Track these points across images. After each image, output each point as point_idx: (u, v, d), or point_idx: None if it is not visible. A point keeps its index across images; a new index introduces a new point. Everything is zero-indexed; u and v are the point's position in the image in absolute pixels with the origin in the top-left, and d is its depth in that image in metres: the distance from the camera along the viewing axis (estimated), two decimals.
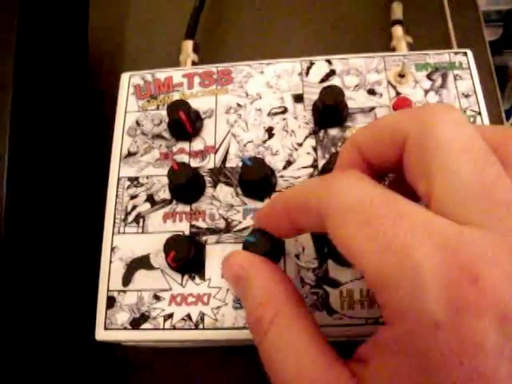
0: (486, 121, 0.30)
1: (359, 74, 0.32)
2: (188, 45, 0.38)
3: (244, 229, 0.29)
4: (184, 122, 0.30)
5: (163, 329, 0.27)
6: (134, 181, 0.31)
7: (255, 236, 0.24)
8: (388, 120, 0.22)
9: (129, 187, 0.31)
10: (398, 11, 0.38)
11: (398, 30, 0.37)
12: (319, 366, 0.19)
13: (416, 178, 0.19)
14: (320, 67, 0.32)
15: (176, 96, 0.33)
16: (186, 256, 0.27)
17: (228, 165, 0.30)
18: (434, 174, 0.18)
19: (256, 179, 0.28)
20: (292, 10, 0.43)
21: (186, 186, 0.28)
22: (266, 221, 0.24)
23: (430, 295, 0.15)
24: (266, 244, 0.24)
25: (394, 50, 0.37)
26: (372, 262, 0.17)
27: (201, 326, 0.27)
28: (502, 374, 0.14)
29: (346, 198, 0.18)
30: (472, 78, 0.31)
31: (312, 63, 0.33)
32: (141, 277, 0.29)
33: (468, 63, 0.32)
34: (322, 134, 0.30)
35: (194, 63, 0.38)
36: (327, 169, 0.28)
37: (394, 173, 0.23)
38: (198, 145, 0.31)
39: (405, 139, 0.20)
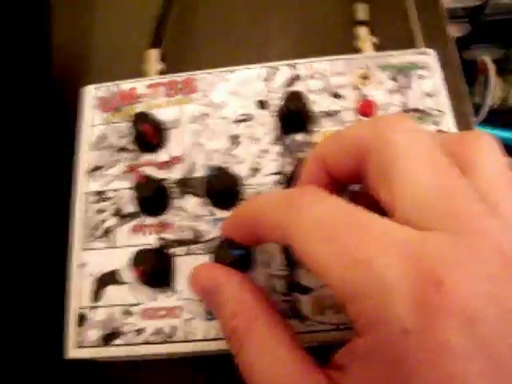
0: (451, 119, 0.30)
1: (323, 78, 0.32)
2: (153, 54, 0.38)
3: (212, 239, 0.28)
4: (148, 134, 0.29)
5: (135, 344, 0.27)
6: (100, 195, 0.30)
7: (239, 249, 0.24)
8: (347, 132, 0.22)
9: (95, 202, 0.30)
10: (361, 12, 0.38)
11: (362, 31, 0.37)
12: (297, 373, 0.19)
13: (377, 188, 0.20)
14: (284, 72, 0.32)
15: (140, 107, 0.32)
16: (155, 269, 0.27)
17: (195, 175, 0.30)
18: (393, 182, 0.18)
19: (221, 189, 0.28)
20: (258, 15, 0.43)
21: (153, 198, 0.28)
22: (231, 232, 0.24)
23: (396, 303, 0.15)
24: (236, 255, 0.24)
25: (359, 50, 0.36)
26: (338, 277, 0.17)
27: (173, 339, 0.27)
28: (471, 374, 0.14)
29: (308, 215, 0.19)
30: (435, 78, 0.31)
31: (276, 69, 0.32)
32: (111, 292, 0.28)
33: (431, 63, 0.32)
34: (287, 139, 0.30)
35: (160, 72, 0.37)
36: (293, 175, 0.28)
37: (358, 183, 0.23)
38: (163, 156, 0.31)
39: (365, 150, 0.20)
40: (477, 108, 0.58)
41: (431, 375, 0.15)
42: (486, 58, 0.55)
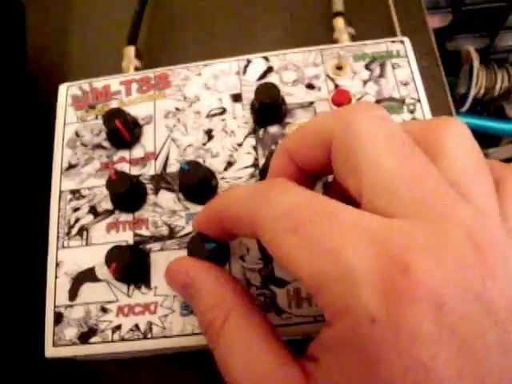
0: (426, 107, 0.30)
1: (297, 69, 0.32)
2: (130, 51, 0.38)
3: (187, 234, 0.28)
4: (121, 131, 0.29)
5: (112, 341, 0.27)
6: (75, 193, 0.30)
7: (213, 242, 0.24)
8: (313, 123, 0.22)
9: (71, 200, 0.30)
10: (338, 3, 0.38)
11: (339, 22, 0.37)
12: (272, 365, 0.19)
13: (345, 178, 0.19)
14: (257, 65, 0.32)
15: (114, 104, 0.32)
16: (128, 266, 0.26)
17: (169, 170, 0.30)
18: (359, 170, 0.18)
19: (194, 183, 0.28)
20: (235, 8, 0.43)
21: (126, 194, 0.28)
22: (202, 227, 0.24)
23: (363, 291, 0.15)
24: (209, 248, 0.24)
25: (336, 42, 0.36)
26: (305, 268, 0.17)
27: (149, 336, 0.27)
28: (439, 361, 0.14)
29: (274, 207, 0.19)
30: (410, 66, 0.31)
31: (249, 61, 0.32)
32: (87, 290, 0.28)
33: (405, 51, 0.32)
34: (261, 132, 0.30)
35: (137, 69, 0.37)
36: (267, 167, 0.28)
37: (328, 174, 0.23)
38: (138, 152, 0.31)
39: (330, 139, 0.20)
40: (462, 98, 0.58)
41: (400, 362, 0.14)
42: (470, 48, 0.55)
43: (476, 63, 0.53)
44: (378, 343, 0.15)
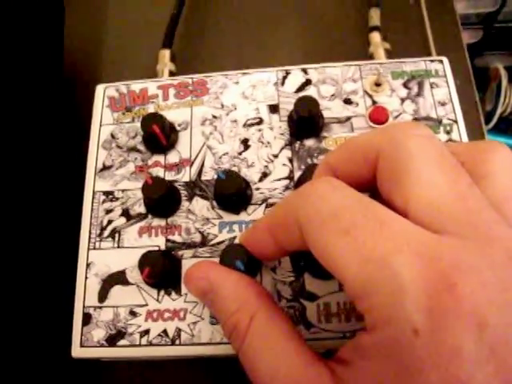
0: (463, 129, 0.30)
1: (335, 84, 0.32)
2: (165, 54, 0.38)
3: (220, 242, 0.28)
4: (158, 136, 0.29)
5: (139, 345, 0.27)
6: (109, 195, 0.30)
7: (243, 262, 0.24)
8: (359, 139, 0.22)
9: (104, 201, 0.30)
10: (375, 17, 0.38)
11: (375, 37, 0.37)
12: (299, 365, 0.19)
13: (391, 193, 0.19)
14: (296, 77, 0.32)
15: (151, 108, 0.32)
16: (161, 272, 0.27)
17: (204, 178, 0.30)
18: (408, 186, 0.18)
19: (230, 193, 0.28)
20: (270, 18, 0.43)
21: (161, 200, 0.28)
22: (250, 243, 0.24)
23: (409, 302, 0.15)
24: (237, 267, 0.24)
25: (371, 56, 0.36)
26: (352, 271, 0.17)
27: (177, 342, 0.27)
28: (478, 379, 0.14)
29: (324, 206, 0.18)
30: (448, 86, 0.31)
31: (288, 73, 0.32)
32: (117, 293, 0.28)
33: (444, 71, 0.32)
34: (297, 144, 0.30)
35: (171, 73, 0.37)
36: (303, 180, 0.28)
37: (368, 191, 0.23)
38: (173, 157, 0.31)
39: (377, 156, 0.20)
40: (487, 115, 0.57)
41: (436, 377, 0.15)
42: (499, 65, 0.55)
43: (504, 81, 0.53)
44: (418, 355, 0.15)
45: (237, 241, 0.28)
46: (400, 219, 0.17)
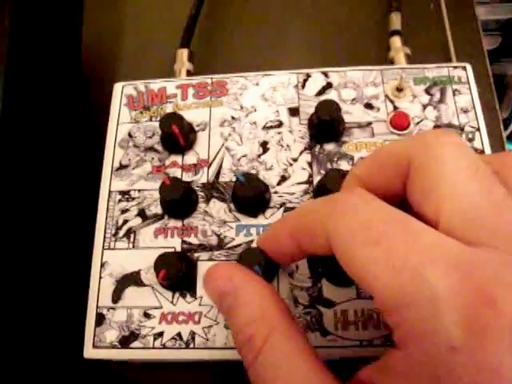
0: (485, 137, 0.30)
1: (356, 88, 0.31)
2: (183, 53, 0.37)
3: (236, 246, 0.28)
4: (177, 136, 0.29)
5: (153, 348, 0.27)
6: (125, 194, 0.30)
7: (260, 266, 0.23)
8: (389, 147, 0.21)
9: (120, 201, 0.30)
10: (396, 21, 0.38)
11: (396, 41, 0.36)
12: None
13: (422, 202, 0.19)
14: (316, 80, 0.32)
15: (169, 107, 0.32)
16: (177, 274, 0.26)
17: (221, 179, 0.30)
18: (441, 195, 0.18)
19: (249, 196, 0.27)
20: (289, 20, 0.42)
21: (178, 201, 0.28)
22: (269, 246, 0.23)
23: (446, 317, 0.15)
24: (256, 271, 0.23)
25: (391, 60, 0.36)
26: (383, 283, 0.16)
27: (191, 346, 0.27)
28: None
29: (355, 218, 0.18)
30: (471, 93, 0.31)
31: (308, 75, 0.32)
32: (131, 293, 0.28)
33: (467, 78, 0.31)
34: (317, 148, 0.30)
35: (189, 72, 0.37)
36: (322, 185, 0.28)
37: (396, 201, 0.23)
38: (191, 158, 0.30)
39: (408, 165, 0.20)
40: (504, 123, 0.57)
41: None
42: None
43: None
44: (455, 372, 0.14)
45: (254, 244, 0.28)
46: (433, 231, 0.17)
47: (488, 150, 0.29)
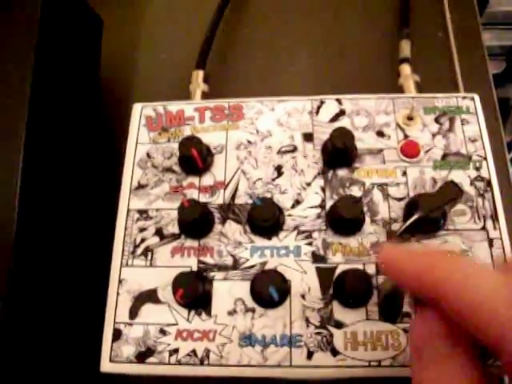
0: (492, 166, 0.31)
1: (368, 115, 0.32)
2: (198, 75, 0.39)
3: (251, 267, 0.29)
4: (196, 159, 0.30)
5: (168, 363, 0.28)
6: (143, 213, 0.31)
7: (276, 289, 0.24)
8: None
9: (138, 220, 0.31)
10: (405, 49, 0.39)
11: (405, 69, 0.38)
12: None
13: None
14: (330, 106, 0.33)
15: (187, 129, 0.33)
16: (195, 294, 0.27)
17: (237, 201, 0.31)
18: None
19: (265, 219, 0.28)
20: (301, 46, 0.43)
21: (196, 222, 0.29)
22: (392, 269, 0.22)
23: None
24: (271, 293, 0.24)
25: (401, 88, 0.37)
26: None
27: (206, 362, 0.27)
28: None
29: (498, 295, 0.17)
30: (479, 123, 0.32)
31: (322, 102, 0.33)
32: (147, 310, 0.29)
33: (475, 108, 0.32)
34: (330, 174, 0.31)
35: (204, 94, 0.38)
36: (334, 210, 0.29)
37: None
38: (207, 180, 0.31)
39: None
40: (509, 147, 0.58)
41: None
42: None
43: None
44: None
45: (272, 265, 0.29)
46: None
47: (494, 179, 0.30)
